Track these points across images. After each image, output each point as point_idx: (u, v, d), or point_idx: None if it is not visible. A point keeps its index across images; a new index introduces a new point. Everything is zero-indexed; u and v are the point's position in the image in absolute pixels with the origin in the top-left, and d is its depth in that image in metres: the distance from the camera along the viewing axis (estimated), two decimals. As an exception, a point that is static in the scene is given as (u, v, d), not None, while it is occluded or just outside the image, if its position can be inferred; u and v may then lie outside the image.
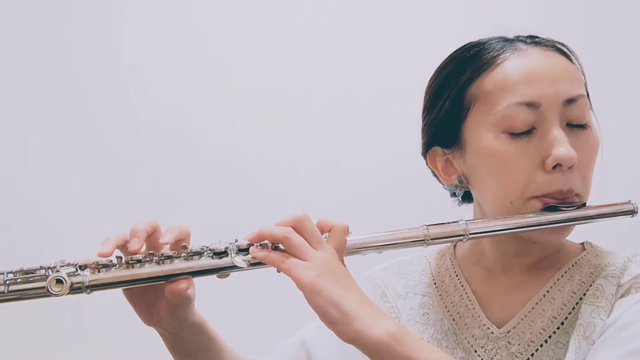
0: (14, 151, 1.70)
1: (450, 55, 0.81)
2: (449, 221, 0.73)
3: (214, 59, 1.74)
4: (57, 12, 1.73)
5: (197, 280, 0.73)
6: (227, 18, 1.75)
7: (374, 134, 1.70)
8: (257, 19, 1.75)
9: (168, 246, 0.70)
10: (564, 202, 0.73)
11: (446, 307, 0.84)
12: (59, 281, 0.63)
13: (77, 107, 1.72)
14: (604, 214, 0.75)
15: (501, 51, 0.76)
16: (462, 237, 0.72)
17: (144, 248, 0.69)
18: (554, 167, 0.72)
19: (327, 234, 0.69)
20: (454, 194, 0.87)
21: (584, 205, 0.74)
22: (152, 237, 0.70)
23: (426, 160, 0.85)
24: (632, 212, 0.76)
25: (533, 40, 0.78)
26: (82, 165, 1.70)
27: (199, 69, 1.74)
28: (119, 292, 0.72)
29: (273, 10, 1.75)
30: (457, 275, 0.85)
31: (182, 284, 0.66)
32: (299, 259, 0.65)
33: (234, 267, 0.67)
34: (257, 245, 0.68)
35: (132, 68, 1.74)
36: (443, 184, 0.85)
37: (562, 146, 0.71)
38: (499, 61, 0.75)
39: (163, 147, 1.72)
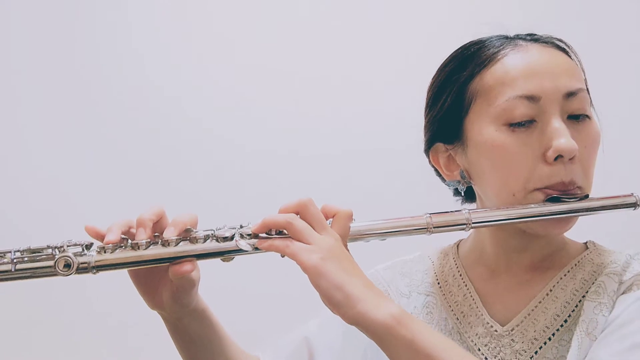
0: (19, 146, 1.72)
1: (452, 53, 0.83)
2: (452, 210, 0.74)
3: (218, 52, 1.76)
4: (63, 6, 1.75)
5: (202, 273, 0.73)
6: (232, 11, 1.77)
7: (378, 128, 1.71)
8: (262, 11, 1.77)
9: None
10: (566, 194, 0.73)
11: (450, 306, 0.84)
12: (66, 261, 0.64)
13: (82, 102, 1.73)
14: (606, 206, 0.75)
15: (501, 47, 0.78)
16: (464, 226, 0.73)
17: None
18: (556, 158, 0.72)
19: (331, 219, 0.70)
20: (456, 192, 0.88)
21: (586, 197, 0.75)
22: (157, 224, 0.71)
23: (428, 157, 0.86)
24: (634, 205, 0.76)
25: (532, 37, 0.80)
26: (85, 160, 1.71)
27: (202, 62, 1.76)
28: (125, 278, 0.73)
29: (278, 3, 1.77)
30: (460, 275, 0.85)
31: (186, 266, 0.67)
32: (303, 243, 0.66)
33: (238, 251, 0.67)
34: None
35: (136, 61, 1.76)
36: (445, 181, 0.86)
37: (562, 137, 0.72)
38: (499, 57, 0.77)
39: (167, 141, 1.72)
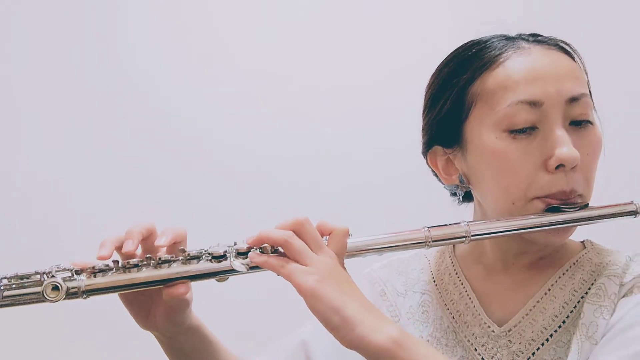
0: (17, 150, 1.69)
1: (451, 53, 0.80)
2: (450, 223, 0.72)
3: (219, 57, 1.74)
4: (62, 9, 1.72)
5: (195, 284, 0.72)
6: (232, 15, 1.74)
7: (378, 130, 1.69)
8: (263, 15, 1.74)
9: (165, 250, 0.68)
10: (566, 203, 0.72)
11: (446, 305, 0.83)
12: (55, 287, 0.62)
13: (81, 106, 1.71)
14: (606, 215, 0.74)
15: (503, 50, 0.75)
16: (463, 239, 0.72)
17: (139, 251, 0.68)
18: (557, 167, 0.71)
19: (327, 237, 0.69)
20: (454, 194, 0.86)
21: (586, 206, 0.74)
22: (148, 240, 0.69)
23: (426, 159, 0.84)
24: (634, 213, 0.75)
25: (535, 39, 0.77)
26: (84, 164, 1.69)
27: (203, 65, 1.73)
28: (115, 295, 0.71)
29: (278, 8, 1.75)
30: (456, 273, 0.84)
31: (180, 289, 0.65)
32: (299, 264, 0.64)
33: (232, 271, 0.66)
34: (256, 249, 0.67)
35: (136, 65, 1.73)
36: (443, 184, 0.84)
37: (565, 146, 0.70)
38: (500, 60, 0.74)
39: (167, 145, 1.70)
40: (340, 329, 0.61)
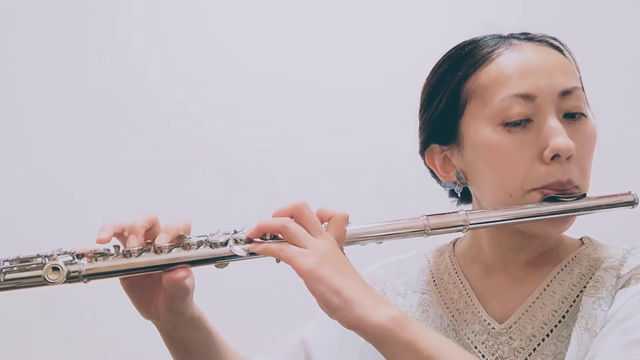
0: (17, 146, 1.70)
1: (446, 53, 0.82)
2: (448, 211, 0.73)
3: (220, 56, 1.76)
4: (65, 10, 1.75)
5: (196, 275, 0.72)
6: (233, 14, 1.78)
7: (377, 128, 1.71)
8: (264, 15, 1.78)
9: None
10: (563, 194, 0.73)
11: (445, 303, 0.83)
12: (56, 269, 0.62)
13: (81, 102, 1.72)
14: (604, 205, 0.75)
15: (495, 47, 0.77)
16: (462, 227, 0.72)
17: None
18: (552, 158, 0.72)
19: (327, 223, 0.69)
20: (452, 194, 0.87)
21: (583, 196, 0.74)
22: (150, 231, 0.69)
23: (424, 158, 0.85)
24: (632, 203, 0.76)
25: (526, 37, 0.79)
26: (84, 162, 1.70)
27: (204, 65, 1.76)
28: (118, 288, 0.71)
29: (279, 8, 1.78)
30: (456, 272, 0.84)
31: (180, 273, 0.65)
32: (299, 247, 0.65)
33: (233, 256, 0.66)
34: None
35: (137, 65, 1.75)
36: (441, 182, 0.85)
37: (559, 136, 0.72)
38: (493, 56, 0.77)
39: (168, 144, 1.71)
40: (340, 309, 0.61)
